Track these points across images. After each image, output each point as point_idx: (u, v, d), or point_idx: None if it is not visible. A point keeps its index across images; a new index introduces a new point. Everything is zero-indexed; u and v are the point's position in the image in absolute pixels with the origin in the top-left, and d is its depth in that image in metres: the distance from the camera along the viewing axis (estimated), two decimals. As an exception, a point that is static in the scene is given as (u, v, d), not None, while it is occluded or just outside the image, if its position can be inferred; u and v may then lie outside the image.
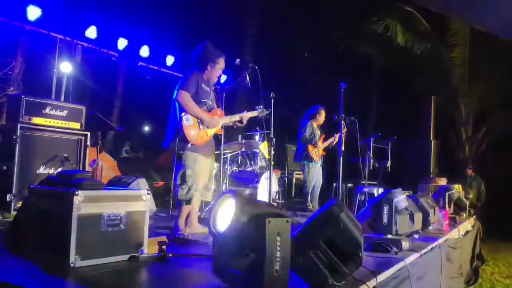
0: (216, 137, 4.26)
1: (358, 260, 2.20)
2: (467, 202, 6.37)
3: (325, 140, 7.01)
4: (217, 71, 4.11)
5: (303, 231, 2.21)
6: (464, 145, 11.72)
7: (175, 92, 3.83)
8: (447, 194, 5.58)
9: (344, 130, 6.27)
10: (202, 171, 3.93)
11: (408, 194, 6.51)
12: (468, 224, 5.87)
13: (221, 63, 4.10)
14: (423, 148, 9.84)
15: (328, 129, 7.06)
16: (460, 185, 7.06)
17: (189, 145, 3.80)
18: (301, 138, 6.95)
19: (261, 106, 4.30)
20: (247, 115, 4.27)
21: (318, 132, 7.03)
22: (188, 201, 3.85)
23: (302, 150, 6.96)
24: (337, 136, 6.71)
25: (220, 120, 4.08)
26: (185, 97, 3.78)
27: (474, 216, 6.59)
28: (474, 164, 11.14)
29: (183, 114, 3.79)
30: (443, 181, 7.32)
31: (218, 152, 5.44)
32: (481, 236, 6.55)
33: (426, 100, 10.28)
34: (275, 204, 5.85)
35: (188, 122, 3.80)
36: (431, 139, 9.93)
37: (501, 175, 10.39)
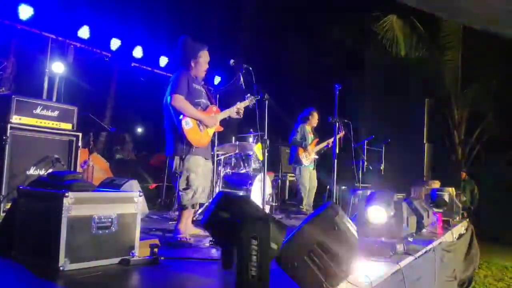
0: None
1: (353, 263, 2.18)
2: (461, 205, 6.38)
3: (318, 144, 6.97)
4: (203, 65, 3.94)
5: (297, 234, 2.18)
6: (457, 148, 11.76)
7: (168, 97, 3.69)
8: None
9: (342, 133, 6.26)
10: (204, 173, 3.87)
11: (401, 197, 6.52)
12: (461, 227, 5.88)
13: (204, 56, 3.93)
14: (417, 151, 9.86)
15: (325, 132, 7.02)
16: (453, 188, 7.07)
17: (193, 149, 3.71)
18: (291, 140, 6.90)
19: (249, 95, 4.20)
20: (241, 105, 4.16)
21: (311, 135, 6.98)
22: (193, 206, 3.81)
23: (293, 153, 6.93)
24: (331, 140, 6.67)
25: (218, 117, 4.02)
26: (180, 100, 3.65)
27: (468, 219, 6.60)
28: (467, 167, 11.18)
29: (181, 117, 3.67)
30: (436, 184, 7.31)
31: (212, 153, 5.40)
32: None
33: (420, 103, 10.30)
34: (268, 206, 5.82)
35: (188, 125, 3.69)
36: (425, 142, 9.95)
37: (494, 178, 10.44)
